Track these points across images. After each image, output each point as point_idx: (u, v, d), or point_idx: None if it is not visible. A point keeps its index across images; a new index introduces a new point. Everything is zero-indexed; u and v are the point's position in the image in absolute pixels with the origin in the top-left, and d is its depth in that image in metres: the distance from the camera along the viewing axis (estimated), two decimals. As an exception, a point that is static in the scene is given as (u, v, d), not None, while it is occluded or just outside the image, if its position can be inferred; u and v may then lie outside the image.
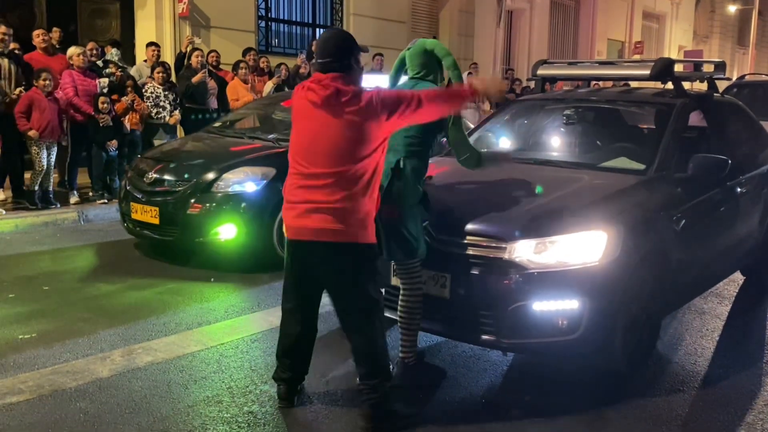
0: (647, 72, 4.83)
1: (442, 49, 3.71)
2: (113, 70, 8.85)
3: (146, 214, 5.91)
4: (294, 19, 14.06)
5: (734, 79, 13.39)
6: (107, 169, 8.21)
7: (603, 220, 3.59)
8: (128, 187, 6.18)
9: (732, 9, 29.37)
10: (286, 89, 9.65)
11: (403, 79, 3.89)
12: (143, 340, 4.24)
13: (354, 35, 3.27)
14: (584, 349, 3.55)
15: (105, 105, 7.96)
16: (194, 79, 8.95)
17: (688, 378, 3.92)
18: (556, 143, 5.36)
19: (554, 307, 3.42)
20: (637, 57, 21.04)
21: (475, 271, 3.52)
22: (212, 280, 5.48)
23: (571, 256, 3.46)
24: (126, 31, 11.65)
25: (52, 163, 7.66)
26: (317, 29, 14.31)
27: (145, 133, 8.61)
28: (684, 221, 4.09)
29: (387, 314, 3.83)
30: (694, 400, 3.64)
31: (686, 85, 5.12)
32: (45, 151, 7.45)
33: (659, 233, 3.93)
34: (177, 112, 8.79)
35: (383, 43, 14.01)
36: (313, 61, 3.30)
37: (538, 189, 3.71)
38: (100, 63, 9.03)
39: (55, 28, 9.31)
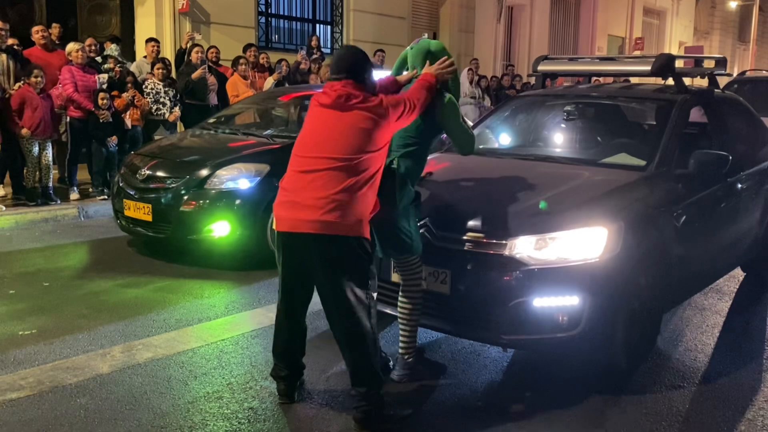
0: (648, 68, 4.82)
1: (445, 54, 3.70)
2: (112, 65, 8.83)
3: (139, 211, 5.87)
4: (294, 15, 14.04)
5: (735, 75, 13.36)
6: (107, 165, 8.21)
7: (603, 217, 3.58)
8: (121, 184, 6.13)
9: (733, 5, 29.33)
10: (287, 85, 9.63)
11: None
12: (143, 337, 4.24)
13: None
14: (584, 346, 3.54)
15: (104, 101, 7.95)
16: (194, 75, 8.94)
17: (688, 374, 3.92)
18: (557, 139, 5.36)
19: (554, 303, 3.42)
20: (637, 53, 21.00)
21: (475, 268, 3.52)
22: (211, 277, 5.49)
23: (572, 252, 3.46)
24: (126, 27, 11.64)
25: (50, 160, 7.65)
26: (317, 25, 14.29)
27: (146, 129, 8.61)
28: (684, 217, 4.09)
29: (387, 310, 3.84)
30: (694, 396, 3.65)
31: (687, 81, 5.10)
32: (37, 147, 7.43)
33: (660, 229, 3.93)
34: (177, 108, 8.79)
35: (383, 39, 14.00)
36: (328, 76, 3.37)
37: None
38: (99, 59, 9.01)
39: (54, 24, 9.29)
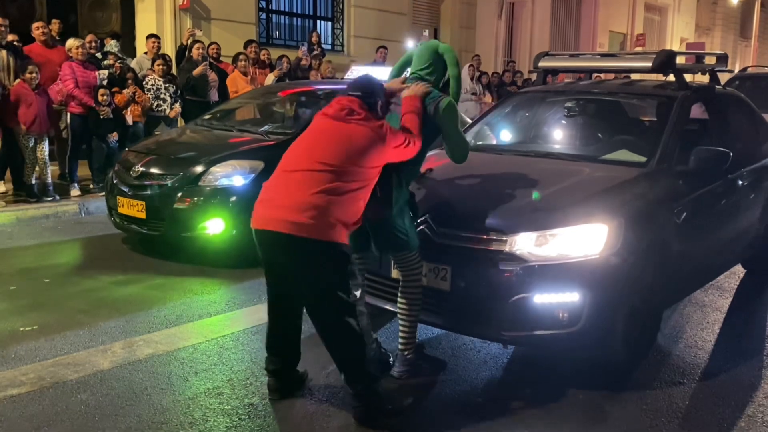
0: (649, 64, 4.81)
1: (452, 57, 3.69)
2: (112, 61, 8.82)
3: (133, 208, 5.82)
4: (295, 11, 14.02)
5: (736, 71, 13.34)
6: (108, 161, 8.19)
7: (604, 213, 3.58)
8: (115, 181, 6.09)
9: (734, 1, 29.24)
10: (287, 81, 9.62)
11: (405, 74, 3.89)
12: (144, 333, 4.25)
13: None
14: (585, 342, 3.55)
15: (105, 97, 7.95)
16: (195, 72, 8.93)
17: (689, 370, 3.92)
18: (558, 135, 5.35)
19: (555, 299, 3.42)
20: (638, 49, 20.97)
21: (475, 264, 3.52)
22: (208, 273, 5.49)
23: (572, 248, 3.46)
24: (126, 23, 11.62)
25: (47, 156, 7.64)
26: (318, 21, 14.28)
27: (147, 125, 8.60)
28: (685, 214, 4.08)
29: (387, 307, 3.85)
30: (694, 393, 3.65)
31: (688, 77, 5.10)
32: (34, 143, 7.43)
33: (660, 226, 3.93)
34: (177, 104, 8.78)
35: (384, 35, 13.99)
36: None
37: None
38: (99, 55, 9.00)
39: (54, 20, 9.28)
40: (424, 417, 3.32)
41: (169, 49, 10.63)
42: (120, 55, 9.41)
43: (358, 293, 3.10)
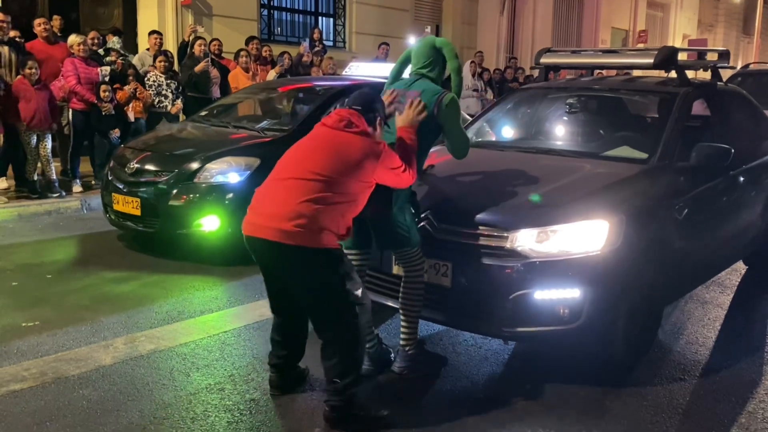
0: (651, 60, 4.80)
1: (450, 50, 3.69)
2: (114, 58, 8.83)
3: (128, 205, 5.79)
4: (296, 8, 14.01)
5: (739, 68, 13.30)
6: (110, 157, 8.20)
7: (605, 209, 3.58)
8: (110, 177, 6.06)
9: (737, -3, 29.18)
10: (289, 77, 9.60)
11: (406, 73, 3.89)
12: (146, 328, 4.26)
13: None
14: (585, 338, 3.55)
15: (107, 93, 7.95)
16: (197, 68, 8.92)
17: (690, 367, 3.92)
18: (559, 132, 5.35)
19: (556, 296, 3.43)
20: (641, 46, 20.93)
21: (476, 260, 3.52)
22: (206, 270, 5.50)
23: (573, 245, 3.46)
24: (128, 20, 11.61)
25: (49, 152, 7.65)
26: (320, 17, 14.26)
27: (149, 122, 8.60)
28: (686, 210, 4.08)
29: (389, 303, 3.85)
30: (695, 389, 3.65)
31: (690, 74, 5.09)
32: (35, 139, 7.43)
33: (661, 222, 3.93)
34: (179, 101, 8.78)
35: (386, 31, 13.99)
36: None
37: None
38: (101, 51, 9.01)
39: (56, 16, 9.28)
40: (425, 412, 3.32)
41: (170, 45, 10.63)
42: (122, 51, 9.41)
43: (358, 292, 3.10)
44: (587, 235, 3.47)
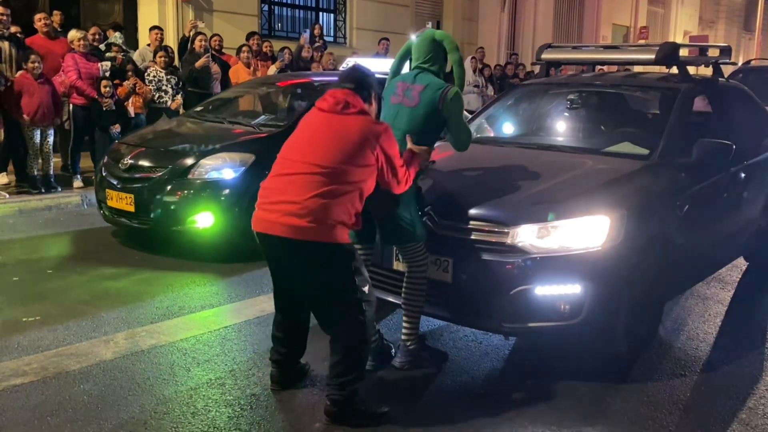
0: (652, 56, 4.80)
1: (450, 42, 3.69)
2: (115, 53, 8.81)
3: (122, 201, 5.73)
4: (297, 3, 13.98)
5: (740, 64, 13.28)
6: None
7: (606, 205, 3.58)
8: (104, 173, 6.01)
9: (738, -6, 29.11)
10: (289, 72, 9.59)
11: (406, 68, 3.88)
12: (146, 323, 4.26)
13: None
14: (586, 334, 3.55)
15: (107, 89, 7.94)
16: (197, 64, 8.91)
17: (690, 363, 3.92)
18: (560, 128, 5.34)
19: (556, 291, 3.43)
20: (642, 42, 20.89)
21: (477, 256, 3.52)
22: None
23: (574, 240, 3.46)
24: (128, 15, 11.60)
25: (51, 147, 7.64)
26: (320, 13, 14.24)
27: (149, 117, 8.59)
28: (687, 206, 4.08)
29: (389, 298, 3.85)
30: (695, 385, 3.65)
31: (691, 70, 5.08)
32: (39, 134, 7.43)
33: (662, 218, 3.93)
34: (179, 96, 8.77)
35: (386, 27, 13.96)
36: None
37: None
38: (102, 47, 8.99)
39: (56, 12, 9.26)
40: (426, 408, 3.33)
41: (171, 41, 10.62)
42: (124, 46, 9.40)
43: (366, 288, 3.10)
44: (588, 231, 3.47)
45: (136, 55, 9.39)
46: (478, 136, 4.97)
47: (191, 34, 9.79)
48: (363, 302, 3.08)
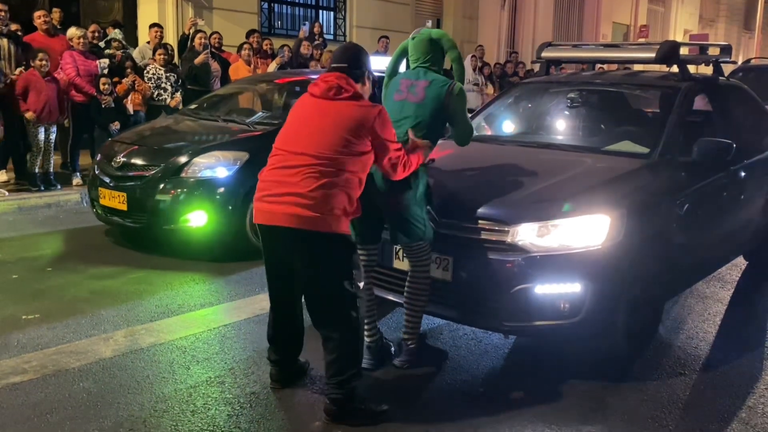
0: (652, 55, 4.78)
1: (448, 41, 3.68)
2: (114, 50, 8.79)
3: (114, 199, 5.70)
4: (297, 1, 13.97)
5: (740, 63, 13.27)
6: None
7: (606, 204, 3.58)
8: (96, 172, 5.97)
9: (738, -8, 29.11)
10: (289, 70, 9.58)
11: (402, 67, 3.88)
12: (145, 321, 4.26)
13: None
14: (586, 333, 3.55)
15: (106, 86, 7.94)
16: (197, 61, 8.88)
17: (690, 361, 3.92)
18: (560, 126, 5.33)
19: (556, 290, 3.42)
20: (642, 40, 20.88)
21: (477, 254, 3.52)
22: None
23: (574, 239, 3.45)
24: (128, 13, 11.59)
25: (52, 144, 7.64)
26: (320, 11, 14.23)
27: (148, 114, 8.59)
28: (687, 205, 4.08)
29: (390, 297, 3.85)
30: (695, 384, 3.65)
31: (691, 68, 5.07)
32: (43, 132, 7.42)
33: (662, 217, 3.92)
34: (178, 94, 8.76)
35: (386, 25, 13.94)
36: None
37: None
38: (102, 44, 8.98)
39: (55, 9, 9.26)
40: (425, 406, 3.33)
41: (171, 38, 10.60)
42: (124, 43, 9.39)
43: (361, 284, 3.10)
44: (588, 230, 3.47)
45: (135, 53, 9.38)
46: (479, 134, 4.97)
47: (191, 31, 9.78)
48: (357, 298, 3.10)
